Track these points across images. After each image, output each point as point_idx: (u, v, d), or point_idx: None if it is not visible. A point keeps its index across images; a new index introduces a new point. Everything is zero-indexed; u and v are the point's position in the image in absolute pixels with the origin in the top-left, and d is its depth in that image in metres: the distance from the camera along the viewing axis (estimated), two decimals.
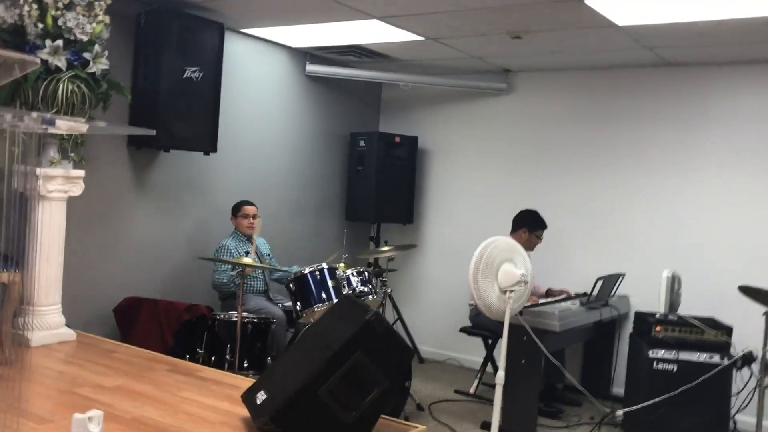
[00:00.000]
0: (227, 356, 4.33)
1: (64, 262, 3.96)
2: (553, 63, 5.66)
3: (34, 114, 2.22)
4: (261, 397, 2.70)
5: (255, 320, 4.43)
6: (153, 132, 3.84)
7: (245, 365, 4.38)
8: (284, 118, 5.88)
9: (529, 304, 4.65)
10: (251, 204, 4.97)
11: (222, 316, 4.47)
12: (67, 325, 4.01)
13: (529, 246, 5.14)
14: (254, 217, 4.92)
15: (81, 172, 3.94)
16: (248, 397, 2.78)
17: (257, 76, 5.60)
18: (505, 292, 3.98)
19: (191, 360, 4.30)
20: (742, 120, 5.14)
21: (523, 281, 3.97)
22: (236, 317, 4.31)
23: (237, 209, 4.96)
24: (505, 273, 3.98)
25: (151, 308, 4.46)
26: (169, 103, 4.58)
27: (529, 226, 5.21)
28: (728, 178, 5.18)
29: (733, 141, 5.17)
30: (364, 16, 4.53)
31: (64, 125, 2.56)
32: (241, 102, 5.43)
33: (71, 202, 3.98)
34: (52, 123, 2.10)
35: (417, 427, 2.92)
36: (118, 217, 4.69)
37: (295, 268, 4.98)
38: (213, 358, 4.36)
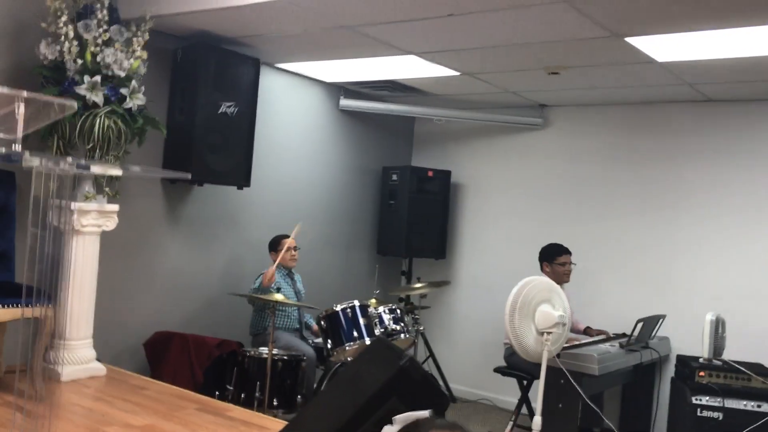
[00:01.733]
0: (257, 393, 4.26)
1: (96, 296, 3.95)
2: (590, 98, 5.58)
3: (69, 159, 2.21)
4: None
5: (285, 357, 4.36)
6: (188, 176, 3.84)
7: (275, 403, 4.30)
8: (317, 152, 5.88)
9: (571, 344, 4.52)
10: (288, 236, 4.94)
11: (252, 352, 4.41)
12: (98, 359, 3.99)
13: (558, 278, 5.01)
14: (295, 249, 4.88)
15: (115, 207, 3.95)
16: None
17: (291, 111, 5.61)
18: (542, 333, 3.87)
19: (220, 396, 4.25)
20: None
21: (561, 323, 3.86)
22: (266, 354, 4.25)
23: (276, 243, 4.92)
24: (542, 314, 3.88)
25: (181, 343, 4.43)
26: (204, 138, 4.58)
27: (547, 258, 5.12)
28: None
29: None
30: (401, 52, 4.51)
31: (98, 169, 2.55)
32: (275, 136, 5.43)
33: (104, 235, 3.98)
34: (86, 168, 2.08)
35: None
36: (150, 250, 4.69)
37: (310, 321, 4.95)
38: (242, 396, 4.29)
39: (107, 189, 3.92)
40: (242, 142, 4.84)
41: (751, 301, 5.01)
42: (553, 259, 5.11)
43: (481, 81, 5.20)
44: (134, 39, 3.93)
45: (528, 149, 6.16)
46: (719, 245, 5.21)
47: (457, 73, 5.01)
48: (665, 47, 3.98)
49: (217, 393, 4.31)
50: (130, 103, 3.85)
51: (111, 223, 3.96)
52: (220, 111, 4.62)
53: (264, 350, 4.39)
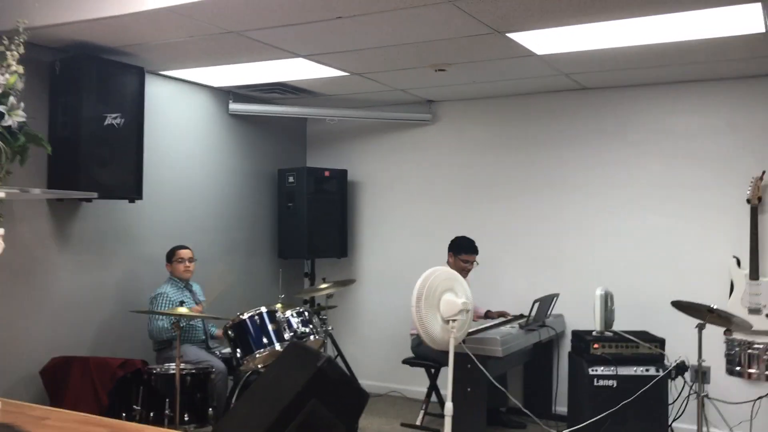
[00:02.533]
0: (166, 411, 4.17)
1: None
2: (476, 92, 5.79)
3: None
4: None
5: (193, 371, 4.29)
6: (95, 195, 3.71)
7: (186, 419, 4.22)
8: (210, 159, 5.77)
9: (475, 329, 4.68)
10: (186, 248, 4.85)
11: (158, 369, 4.30)
12: None
13: (459, 271, 5.18)
14: (190, 260, 4.79)
15: (0, 231, 3.73)
16: None
17: (180, 118, 5.48)
18: (447, 321, 4.00)
19: (128, 418, 4.12)
20: (657, 139, 5.38)
21: (465, 309, 4.01)
22: (173, 370, 4.16)
23: (171, 254, 4.83)
24: (446, 303, 4.01)
25: (82, 367, 4.24)
26: (90, 152, 4.41)
27: (454, 250, 5.30)
28: (648, 195, 5.40)
29: (650, 160, 5.40)
30: (289, 55, 4.52)
31: (3, 194, 2.42)
32: (165, 146, 5.29)
33: None
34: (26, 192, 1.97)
35: None
36: (40, 273, 4.46)
37: (213, 329, 4.91)
38: (151, 415, 4.19)
39: None
40: (131, 153, 4.68)
41: (631, 274, 5.38)
42: (459, 254, 5.27)
43: (370, 80, 5.28)
44: (8, 53, 3.71)
45: (419, 144, 6.32)
46: (602, 223, 5.56)
47: (347, 74, 5.07)
48: (543, 41, 4.20)
49: (123, 415, 4.17)
50: (9, 121, 3.61)
51: None
52: (105, 123, 4.45)
53: (170, 366, 4.29)
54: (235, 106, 5.92)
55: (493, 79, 5.26)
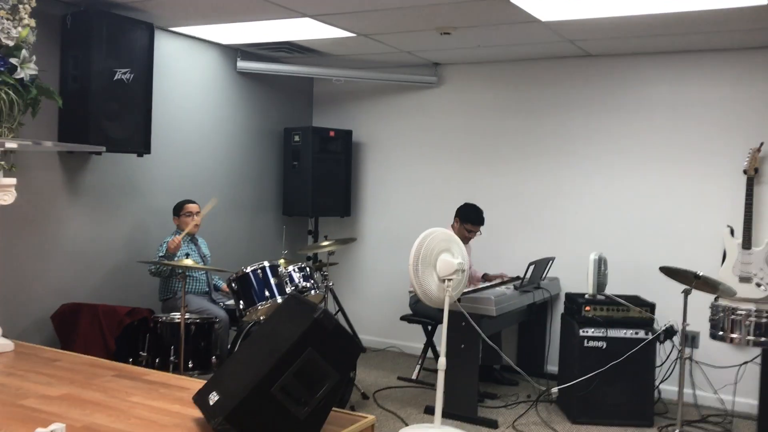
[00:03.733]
0: (171, 358, 4.35)
1: None
2: (481, 56, 5.83)
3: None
4: (213, 398, 2.75)
5: (198, 321, 4.45)
6: (103, 148, 3.81)
7: (190, 366, 4.41)
8: (217, 115, 5.87)
9: (469, 289, 4.82)
10: (193, 202, 4.97)
11: (164, 318, 4.47)
12: (4, 335, 3.93)
13: (460, 238, 5.31)
14: (198, 214, 4.92)
15: (12, 180, 3.85)
16: (200, 399, 2.83)
17: (188, 75, 5.56)
18: (443, 280, 4.14)
19: (134, 363, 4.29)
20: (658, 107, 5.44)
21: (461, 270, 4.15)
22: (178, 319, 4.33)
23: (179, 208, 4.95)
24: (443, 262, 4.15)
25: (91, 313, 4.42)
26: (100, 106, 4.51)
27: (461, 217, 5.39)
28: (647, 163, 5.48)
29: (650, 128, 5.47)
30: (296, 14, 4.57)
31: (16, 145, 2.54)
32: (173, 101, 5.39)
33: (3, 209, 3.89)
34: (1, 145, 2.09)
35: (366, 418, 3.03)
36: (51, 222, 4.61)
37: (219, 282, 5.05)
38: (157, 361, 4.37)
39: (2, 162, 3.81)
40: (140, 108, 4.79)
41: (627, 240, 5.50)
42: (465, 222, 5.36)
43: (376, 42, 5.33)
44: (20, 6, 3.80)
45: (424, 106, 6.39)
46: (600, 189, 5.66)
47: (353, 35, 5.12)
48: (547, 7, 4.24)
49: (130, 360, 4.34)
50: (21, 73, 3.73)
51: (9, 198, 3.86)
52: (115, 78, 4.55)
53: (176, 315, 4.47)
54: (243, 64, 5.99)
55: (497, 43, 5.30)
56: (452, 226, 5.36)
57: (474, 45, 5.36)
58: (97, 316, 4.41)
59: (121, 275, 5.04)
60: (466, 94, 6.22)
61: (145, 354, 4.40)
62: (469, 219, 5.36)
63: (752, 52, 5.12)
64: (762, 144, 4.99)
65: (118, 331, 4.41)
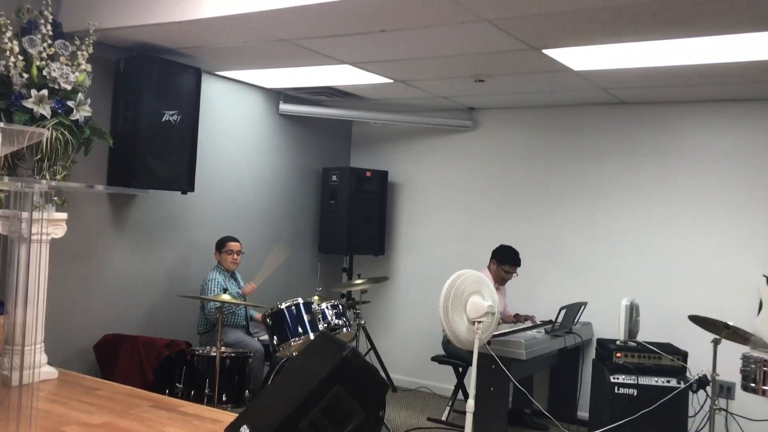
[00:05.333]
0: (206, 390, 4.46)
1: (46, 302, 4.07)
2: (515, 102, 5.95)
3: (44, 182, 2.38)
4: (245, 430, 2.85)
5: (233, 355, 4.57)
6: (148, 192, 4.00)
7: (224, 399, 4.51)
8: (259, 155, 6.08)
9: (500, 332, 4.85)
10: (236, 240, 5.14)
11: (201, 351, 4.60)
12: (49, 363, 4.11)
13: (497, 279, 5.38)
14: (238, 253, 5.09)
15: (64, 215, 4.07)
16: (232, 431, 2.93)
17: (232, 117, 5.79)
18: (473, 323, 4.19)
19: (171, 394, 4.42)
20: (693, 155, 5.46)
21: (491, 312, 4.19)
22: (214, 352, 4.46)
23: (222, 245, 5.12)
24: (473, 305, 4.20)
25: (131, 344, 4.58)
26: (148, 146, 4.74)
27: (498, 258, 5.44)
28: (681, 210, 5.49)
29: (684, 174, 5.48)
30: (336, 62, 4.76)
31: (69, 187, 2.72)
32: (217, 141, 5.61)
33: (53, 242, 4.10)
34: (59, 189, 2.27)
35: None
36: (98, 256, 4.82)
37: (252, 312, 5.19)
38: (192, 393, 4.49)
39: (56, 198, 4.03)
40: (185, 148, 5.00)
41: (661, 287, 5.47)
42: (503, 263, 5.43)
43: (413, 87, 5.50)
44: (79, 53, 4.05)
45: (459, 149, 6.51)
46: (633, 236, 5.67)
47: (390, 81, 5.30)
48: (579, 57, 4.35)
49: (167, 391, 4.47)
50: (76, 115, 3.98)
51: (60, 231, 4.08)
52: (163, 120, 4.78)
53: (211, 348, 4.60)
54: (285, 107, 6.21)
55: (531, 90, 5.42)
56: (489, 268, 5.41)
57: (508, 91, 5.49)
58: (137, 347, 4.56)
59: (162, 308, 5.21)
60: (500, 139, 6.32)
61: (180, 386, 4.53)
62: (506, 260, 5.41)
63: None
64: None
65: (156, 363, 4.55)
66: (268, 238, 6.16)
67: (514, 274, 5.45)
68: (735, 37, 3.75)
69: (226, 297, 4.51)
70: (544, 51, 4.19)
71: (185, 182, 5.04)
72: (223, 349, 4.47)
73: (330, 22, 3.84)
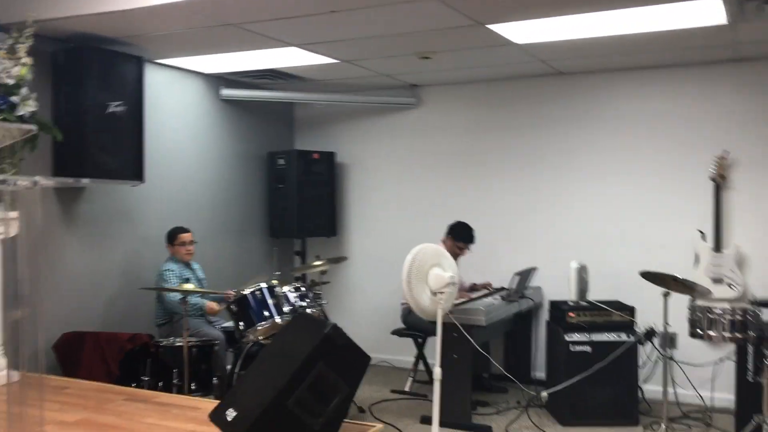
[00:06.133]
0: (174, 381, 4.45)
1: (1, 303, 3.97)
2: (457, 77, 6.08)
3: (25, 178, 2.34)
4: (231, 414, 2.89)
5: (199, 344, 4.57)
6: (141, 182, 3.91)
7: (192, 388, 4.51)
8: (203, 143, 6.01)
9: (458, 301, 5.00)
10: (186, 230, 5.10)
11: (165, 342, 4.58)
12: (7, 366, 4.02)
13: (451, 254, 5.50)
14: (191, 243, 5.05)
15: (16, 214, 3.96)
16: (217, 416, 2.96)
17: (175, 105, 5.71)
18: (436, 294, 4.32)
19: (138, 388, 4.40)
20: (629, 121, 5.72)
21: (452, 283, 4.32)
22: (179, 342, 4.45)
23: (173, 237, 5.07)
24: (434, 277, 4.31)
25: (93, 341, 4.52)
26: (94, 138, 4.64)
27: (453, 235, 5.58)
28: (620, 174, 5.75)
29: (622, 141, 5.74)
30: (282, 44, 4.76)
31: (48, 182, 2.67)
32: (162, 131, 5.53)
33: (3, 242, 3.99)
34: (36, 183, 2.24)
35: (374, 426, 3.20)
36: (50, 253, 4.70)
37: (203, 301, 5.18)
38: (160, 384, 4.47)
39: (6, 197, 3.92)
40: (132, 139, 4.92)
41: (605, 248, 5.74)
42: (457, 240, 5.55)
43: (358, 67, 5.54)
44: (17, 46, 3.93)
45: (404, 127, 6.61)
46: (577, 201, 5.91)
47: (336, 61, 5.32)
48: (521, 31, 4.49)
49: (133, 385, 4.44)
50: (21, 111, 3.87)
51: (12, 230, 3.97)
52: (108, 111, 4.68)
53: (175, 339, 4.58)
54: (226, 92, 6.15)
55: (474, 65, 5.55)
56: (444, 242, 5.54)
57: (451, 67, 5.61)
58: (99, 343, 4.51)
59: (119, 302, 5.14)
60: (444, 114, 6.45)
61: (147, 378, 4.50)
62: (461, 238, 5.56)
63: (714, 67, 5.43)
64: (726, 152, 5.29)
65: (120, 357, 4.51)
66: (218, 226, 6.13)
67: (467, 251, 5.61)
68: (665, 7, 3.95)
69: (189, 286, 4.49)
70: (489, 26, 4.31)
71: (134, 174, 4.96)
72: (187, 338, 4.46)
73: (280, 3, 3.84)
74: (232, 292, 4.80)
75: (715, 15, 4.11)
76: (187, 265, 5.17)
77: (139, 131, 4.97)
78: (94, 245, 5.01)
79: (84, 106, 4.58)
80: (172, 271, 4.92)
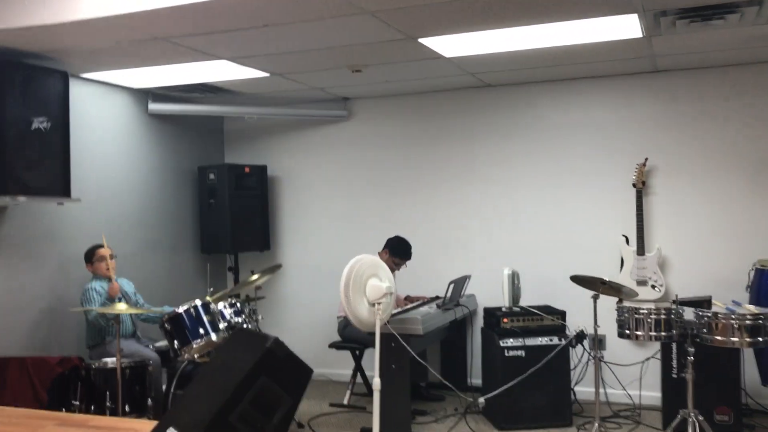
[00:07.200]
0: (107, 403, 4.32)
1: None
2: (388, 90, 6.16)
3: None
4: None
5: (132, 365, 4.45)
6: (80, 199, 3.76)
7: (127, 410, 4.39)
8: (131, 159, 5.88)
9: (395, 311, 5.05)
10: (102, 246, 4.95)
11: (97, 364, 4.44)
12: None
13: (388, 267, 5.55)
14: (111, 257, 4.91)
15: None
16: None
17: (102, 120, 5.57)
18: (373, 304, 4.35)
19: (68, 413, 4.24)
20: (554, 131, 5.93)
21: (389, 293, 4.37)
22: (112, 364, 4.32)
23: (90, 255, 4.93)
24: (372, 287, 4.34)
25: (18, 366, 4.33)
26: (17, 155, 4.47)
27: (391, 249, 5.63)
28: (548, 183, 5.95)
29: (548, 150, 5.94)
30: (213, 57, 4.72)
31: None
32: (90, 147, 5.38)
33: None
34: None
35: None
36: None
37: (167, 308, 5.05)
38: (92, 408, 4.33)
39: None
40: (58, 155, 4.75)
41: (536, 254, 5.92)
42: (394, 255, 5.60)
43: (289, 80, 5.55)
44: None
45: (336, 139, 6.64)
46: (507, 210, 6.08)
47: (267, 74, 5.31)
48: (451, 45, 4.61)
49: (63, 410, 4.29)
50: None
51: None
52: (33, 127, 4.52)
53: (108, 360, 4.45)
54: (154, 107, 6.04)
55: (405, 78, 5.64)
56: (380, 255, 5.57)
57: (383, 80, 5.68)
58: (25, 368, 4.32)
59: (46, 325, 4.95)
60: (375, 127, 6.52)
61: (77, 403, 4.35)
62: (398, 253, 5.61)
63: (632, 78, 5.70)
64: (647, 159, 5.55)
65: (48, 382, 4.34)
66: (149, 243, 5.99)
67: (404, 266, 5.67)
68: (585, 22, 4.14)
69: (122, 306, 4.37)
70: (420, 40, 4.40)
71: (60, 191, 4.80)
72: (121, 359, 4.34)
73: (212, 17, 3.82)
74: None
75: (632, 29, 4.32)
76: (110, 281, 5.02)
77: (65, 147, 4.81)
78: (17, 266, 4.81)
79: (5, 123, 4.41)
80: (95, 289, 4.79)
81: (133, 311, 4.57)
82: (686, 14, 4.00)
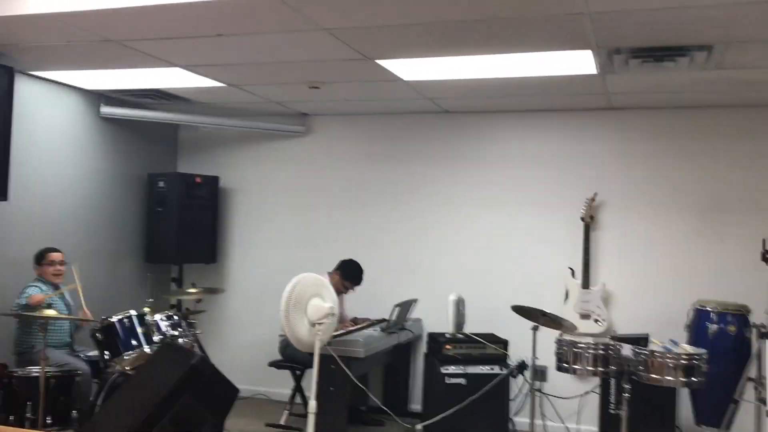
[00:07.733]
0: (28, 414, 4.14)
1: None
2: (347, 108, 6.13)
3: None
4: None
5: (58, 374, 4.28)
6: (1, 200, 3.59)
7: (48, 421, 4.21)
8: (79, 161, 5.72)
9: (337, 333, 4.96)
10: (57, 250, 4.80)
11: (20, 372, 4.26)
12: None
13: (336, 289, 5.47)
14: (61, 263, 4.75)
15: None
16: None
17: (49, 120, 5.41)
18: (314, 324, 4.27)
19: None
20: (506, 160, 5.95)
21: (331, 314, 4.30)
22: (36, 372, 4.15)
23: (41, 257, 4.77)
24: (314, 307, 4.28)
25: None
26: None
27: (342, 272, 5.54)
28: (498, 211, 5.96)
29: (500, 179, 5.96)
30: (167, 64, 4.63)
31: None
32: (33, 147, 5.21)
33: None
34: None
35: None
36: None
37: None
38: (11, 418, 4.14)
39: None
40: None
41: (482, 281, 5.90)
42: (346, 279, 5.50)
43: (245, 92, 5.48)
44: None
45: (292, 155, 6.57)
46: (457, 235, 6.06)
47: (223, 85, 5.24)
48: (409, 68, 4.60)
49: None
50: None
51: None
52: None
53: (33, 369, 4.28)
54: (107, 110, 5.90)
55: (364, 98, 5.62)
56: (330, 276, 5.47)
57: (341, 98, 5.65)
58: None
59: None
60: (332, 145, 6.47)
61: None
62: (350, 277, 5.53)
63: (586, 113, 5.77)
64: (596, 194, 5.60)
65: None
66: (91, 249, 5.82)
67: (352, 291, 5.61)
68: (542, 54, 4.18)
69: (51, 312, 4.21)
70: (377, 61, 4.38)
71: None
72: (46, 369, 4.17)
73: (165, 23, 3.74)
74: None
75: (586, 65, 4.37)
76: (56, 287, 4.86)
77: (5, 145, 4.64)
78: None
79: None
80: (34, 287, 4.61)
81: (61, 318, 4.39)
82: (639, 54, 4.06)
